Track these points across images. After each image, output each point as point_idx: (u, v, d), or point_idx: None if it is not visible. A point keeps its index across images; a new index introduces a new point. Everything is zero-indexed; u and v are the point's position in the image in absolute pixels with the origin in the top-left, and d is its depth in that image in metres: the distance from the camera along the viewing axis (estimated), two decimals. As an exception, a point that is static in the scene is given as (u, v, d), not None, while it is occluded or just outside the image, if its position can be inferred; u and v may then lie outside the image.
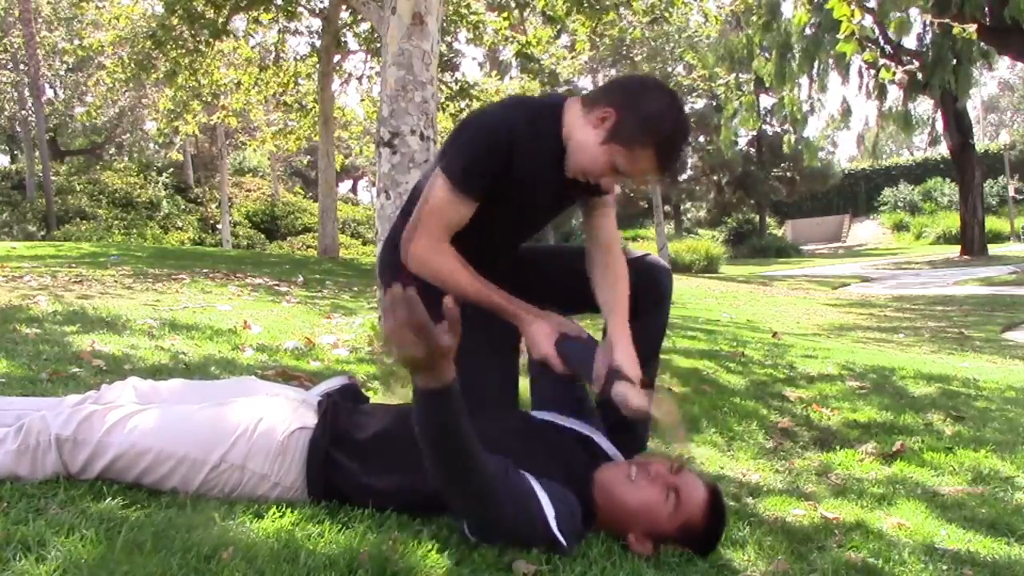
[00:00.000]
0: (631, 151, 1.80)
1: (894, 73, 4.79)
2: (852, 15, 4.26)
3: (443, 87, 12.48)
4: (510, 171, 1.87)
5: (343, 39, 12.03)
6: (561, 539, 1.60)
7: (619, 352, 1.89)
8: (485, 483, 1.55)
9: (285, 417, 1.77)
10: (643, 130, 1.79)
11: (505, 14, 10.63)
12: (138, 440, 1.69)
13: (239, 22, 12.14)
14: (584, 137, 1.85)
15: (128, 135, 25.73)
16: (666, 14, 8.51)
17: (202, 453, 1.70)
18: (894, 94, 20.11)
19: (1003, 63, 32.29)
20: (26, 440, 1.69)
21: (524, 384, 2.21)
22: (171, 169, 24.15)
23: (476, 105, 12.86)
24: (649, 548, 1.69)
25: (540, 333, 1.92)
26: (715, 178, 34.79)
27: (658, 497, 1.69)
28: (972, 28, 4.57)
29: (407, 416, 1.92)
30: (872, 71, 18.33)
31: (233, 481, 1.72)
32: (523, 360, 2.18)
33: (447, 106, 12.55)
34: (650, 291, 2.09)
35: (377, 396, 2.96)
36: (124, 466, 1.70)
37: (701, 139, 33.49)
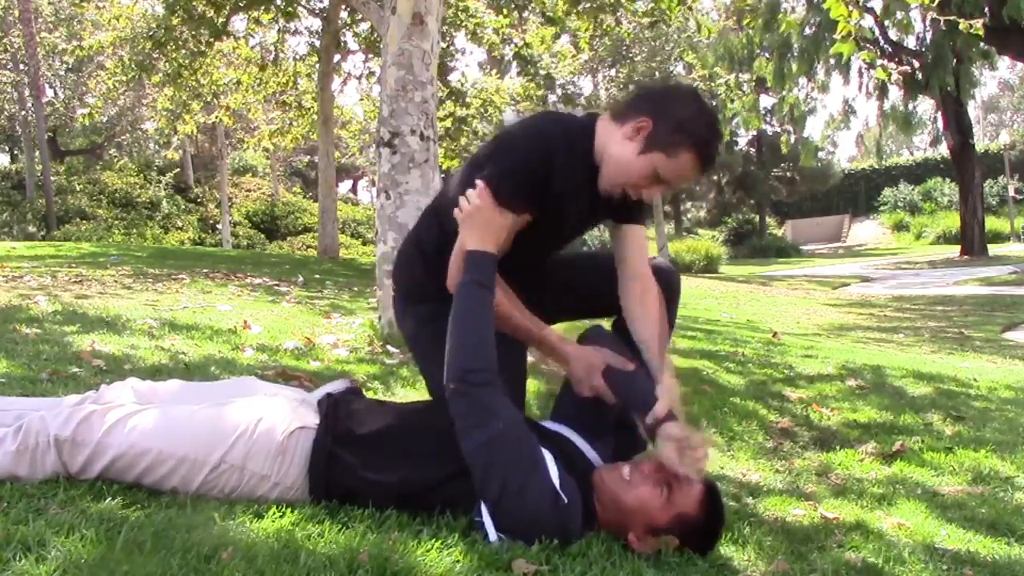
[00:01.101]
0: (671, 156, 1.82)
1: (890, 73, 4.78)
2: (850, 15, 4.25)
3: (440, 88, 12.46)
4: (547, 187, 1.88)
5: (343, 39, 12.02)
6: (560, 492, 1.64)
7: (665, 394, 1.88)
8: (499, 402, 1.69)
9: (285, 417, 1.78)
10: (680, 133, 1.81)
11: (504, 12, 10.62)
12: (138, 440, 1.69)
13: (239, 22, 12.14)
14: (621, 150, 1.85)
15: (128, 135, 25.71)
16: (666, 16, 8.49)
17: (202, 454, 1.70)
18: (895, 94, 20.12)
19: (1003, 63, 32.28)
20: (25, 440, 1.69)
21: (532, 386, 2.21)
22: (175, 171, 24.13)
23: (474, 107, 12.80)
24: (649, 546, 1.70)
25: (588, 369, 1.95)
26: (715, 178, 34.76)
27: (652, 491, 1.72)
28: (979, 23, 4.54)
29: (408, 413, 1.94)
30: (872, 71, 18.33)
31: (233, 481, 1.72)
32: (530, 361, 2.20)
33: (440, 107, 12.52)
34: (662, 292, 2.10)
35: (377, 396, 2.96)
36: (124, 466, 1.70)
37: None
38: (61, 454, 1.69)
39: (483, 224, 1.83)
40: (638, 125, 1.83)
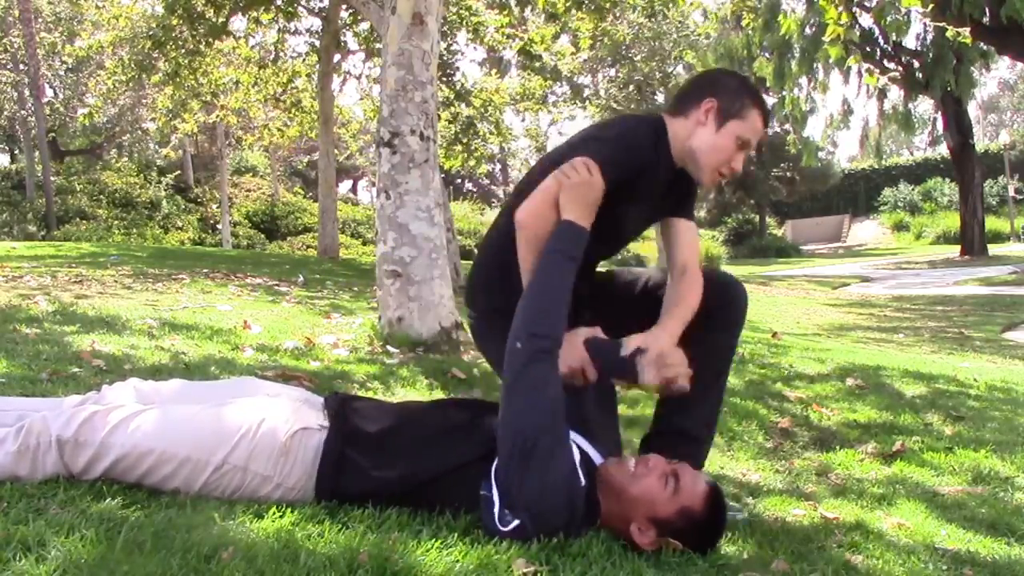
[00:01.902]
0: (744, 118, 2.00)
1: (877, 78, 4.79)
2: (839, 17, 4.24)
3: (441, 88, 12.42)
4: (628, 187, 1.97)
5: (343, 39, 12.02)
6: (579, 470, 1.69)
7: (655, 332, 1.95)
8: (552, 376, 1.72)
9: (287, 418, 1.78)
10: (741, 97, 2.01)
11: (505, 11, 10.62)
12: (141, 441, 1.69)
13: (239, 22, 12.14)
14: (702, 137, 2.01)
15: (128, 135, 25.71)
16: (664, 9, 8.50)
17: (205, 454, 1.70)
18: (895, 94, 20.11)
19: (1003, 63, 32.27)
20: (26, 441, 1.69)
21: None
22: (177, 172, 24.14)
23: (475, 107, 12.79)
24: (651, 538, 1.70)
25: (570, 345, 1.93)
26: (715, 178, 34.67)
27: (657, 482, 1.74)
28: (966, 31, 4.56)
29: (413, 412, 1.94)
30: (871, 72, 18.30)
31: (236, 482, 1.72)
32: None
33: (446, 109, 12.50)
34: (725, 309, 2.11)
35: (377, 396, 2.96)
36: (127, 467, 1.70)
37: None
38: (63, 455, 1.69)
39: (585, 198, 1.85)
40: (705, 108, 2.00)
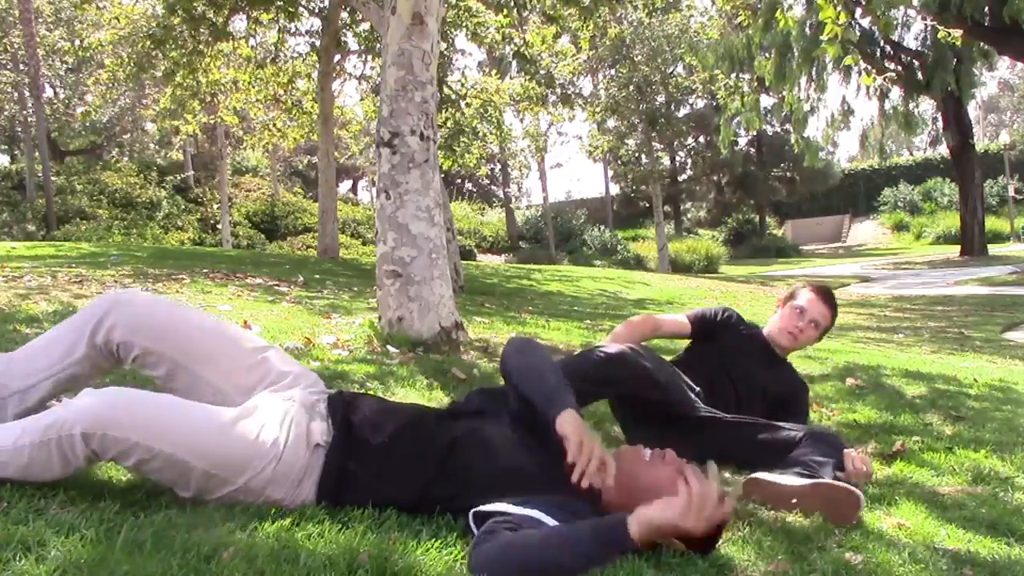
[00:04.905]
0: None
1: (874, 78, 4.79)
2: (837, 17, 4.24)
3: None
4: None
5: (343, 39, 12.02)
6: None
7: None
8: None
9: (304, 442, 1.76)
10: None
11: (504, 12, 10.62)
12: (167, 448, 1.63)
13: (239, 23, 12.13)
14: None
15: (128, 135, 25.72)
16: (663, 7, 8.49)
17: (232, 473, 1.68)
18: (895, 94, 20.13)
19: (1003, 63, 32.27)
20: (47, 435, 1.63)
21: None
22: (186, 174, 24.15)
23: (473, 107, 12.77)
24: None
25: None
26: (715, 178, 34.78)
27: (670, 475, 1.74)
28: (958, 33, 4.56)
29: (420, 418, 1.90)
30: (871, 72, 18.30)
31: (249, 499, 1.71)
32: None
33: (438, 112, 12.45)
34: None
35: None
36: (150, 469, 1.65)
37: (701, 139, 33.50)
38: (89, 443, 1.60)
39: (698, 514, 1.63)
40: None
